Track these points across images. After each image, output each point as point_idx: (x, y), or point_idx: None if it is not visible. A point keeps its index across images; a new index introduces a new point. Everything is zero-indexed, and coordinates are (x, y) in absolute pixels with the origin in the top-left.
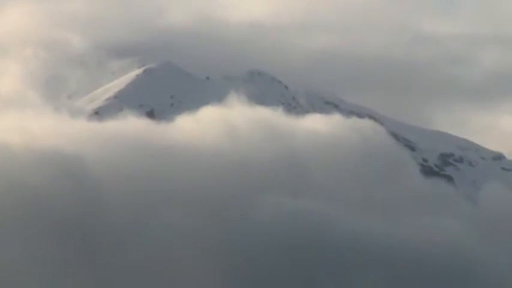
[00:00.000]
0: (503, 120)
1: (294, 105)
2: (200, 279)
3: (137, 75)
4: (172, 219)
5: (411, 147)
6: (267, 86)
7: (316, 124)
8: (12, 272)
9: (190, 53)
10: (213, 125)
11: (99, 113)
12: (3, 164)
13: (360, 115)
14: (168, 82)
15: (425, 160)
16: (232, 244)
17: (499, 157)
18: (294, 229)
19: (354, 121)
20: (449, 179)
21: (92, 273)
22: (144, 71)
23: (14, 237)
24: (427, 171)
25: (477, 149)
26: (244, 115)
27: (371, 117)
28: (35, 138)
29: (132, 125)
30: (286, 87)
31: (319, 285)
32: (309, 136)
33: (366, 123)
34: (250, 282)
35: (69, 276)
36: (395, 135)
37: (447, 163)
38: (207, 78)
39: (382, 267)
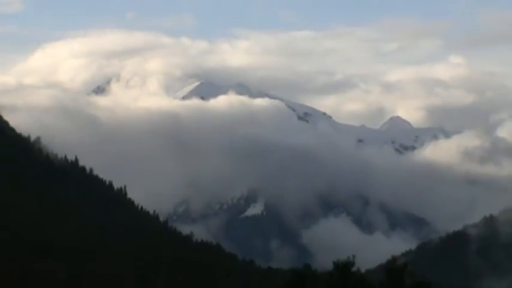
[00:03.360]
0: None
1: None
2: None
3: (201, 83)
4: (214, 138)
5: (293, 110)
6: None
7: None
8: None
9: None
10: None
11: (185, 98)
12: (146, 115)
13: (275, 98)
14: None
15: (299, 114)
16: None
17: (327, 116)
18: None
19: (274, 101)
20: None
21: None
22: (201, 83)
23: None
24: (299, 118)
25: (314, 109)
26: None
27: (280, 99)
28: (162, 105)
29: (193, 103)
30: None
31: None
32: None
33: (277, 102)
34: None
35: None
36: (290, 107)
37: (306, 116)
38: None
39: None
